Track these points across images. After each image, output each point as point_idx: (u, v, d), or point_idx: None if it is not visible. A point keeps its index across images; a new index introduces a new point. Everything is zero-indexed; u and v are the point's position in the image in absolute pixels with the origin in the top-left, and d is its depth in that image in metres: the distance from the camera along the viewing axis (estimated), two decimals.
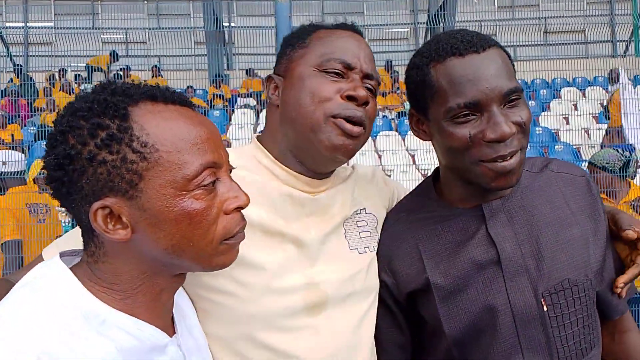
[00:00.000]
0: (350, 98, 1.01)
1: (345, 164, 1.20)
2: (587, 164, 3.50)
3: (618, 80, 6.09)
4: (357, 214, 1.15)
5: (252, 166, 1.07)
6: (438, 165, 1.16)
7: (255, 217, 0.99)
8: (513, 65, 1.03)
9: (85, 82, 9.48)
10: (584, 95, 9.40)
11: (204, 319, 0.97)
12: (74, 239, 0.97)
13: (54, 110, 7.64)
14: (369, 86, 1.06)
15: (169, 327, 0.84)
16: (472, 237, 1.07)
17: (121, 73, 9.74)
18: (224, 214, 0.76)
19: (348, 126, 1.00)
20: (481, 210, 1.08)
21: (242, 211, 0.81)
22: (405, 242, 1.13)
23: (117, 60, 10.87)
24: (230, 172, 0.81)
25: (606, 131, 5.76)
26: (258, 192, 1.01)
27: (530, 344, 1.03)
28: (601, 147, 4.95)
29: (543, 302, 1.03)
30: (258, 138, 1.13)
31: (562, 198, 1.10)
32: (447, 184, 1.13)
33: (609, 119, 6.07)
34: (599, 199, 1.13)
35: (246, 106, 8.00)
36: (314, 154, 1.04)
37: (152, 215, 0.71)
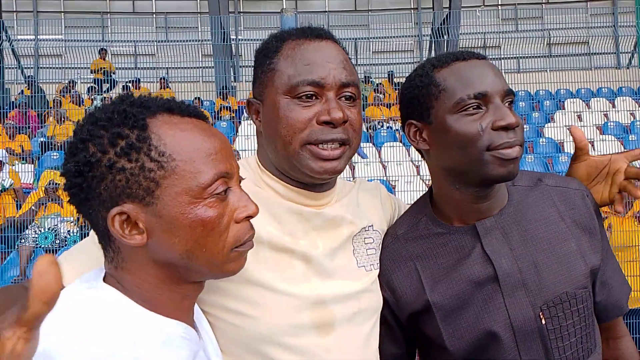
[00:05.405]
0: (326, 122, 0.98)
1: (350, 178, 1.21)
2: None
3: None
4: (366, 230, 1.13)
5: (257, 181, 1.07)
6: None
7: (264, 235, 0.99)
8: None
9: (96, 94, 9.59)
10: (588, 106, 9.44)
11: (215, 334, 0.96)
12: (83, 251, 0.97)
13: (62, 122, 7.74)
14: (348, 94, 1.02)
15: None
16: (468, 255, 1.09)
17: (130, 85, 9.88)
18: (234, 223, 0.79)
19: (324, 153, 0.99)
20: (476, 228, 1.09)
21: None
22: (403, 261, 1.14)
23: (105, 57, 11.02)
24: (240, 182, 0.83)
25: None
26: (265, 208, 0.99)
27: (530, 356, 1.05)
28: None
29: (541, 316, 1.05)
30: (258, 153, 1.12)
31: (557, 212, 1.12)
32: (442, 202, 1.15)
33: None
34: (595, 212, 1.14)
35: None
36: (299, 176, 1.04)
37: (168, 221, 0.74)
